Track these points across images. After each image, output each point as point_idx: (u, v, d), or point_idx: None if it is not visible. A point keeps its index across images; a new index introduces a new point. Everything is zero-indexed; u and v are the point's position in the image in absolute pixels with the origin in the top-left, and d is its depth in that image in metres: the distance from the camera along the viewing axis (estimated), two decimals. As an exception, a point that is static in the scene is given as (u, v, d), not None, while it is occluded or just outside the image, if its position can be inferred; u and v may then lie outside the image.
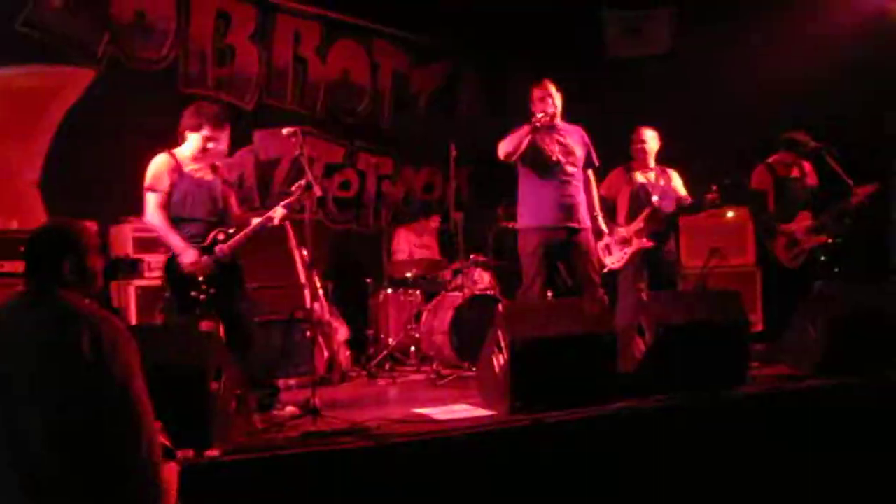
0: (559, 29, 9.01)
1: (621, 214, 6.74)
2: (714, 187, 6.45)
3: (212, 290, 4.93)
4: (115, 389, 2.63)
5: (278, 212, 5.06)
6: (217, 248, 4.97)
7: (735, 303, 5.36)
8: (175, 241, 4.92)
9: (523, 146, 5.82)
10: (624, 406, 4.63)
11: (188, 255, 4.89)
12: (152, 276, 6.13)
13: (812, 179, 7.10)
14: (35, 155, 6.54)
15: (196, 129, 5.04)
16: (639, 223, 6.61)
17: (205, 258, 4.93)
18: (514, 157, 5.87)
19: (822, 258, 6.95)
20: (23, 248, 2.96)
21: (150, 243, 6.20)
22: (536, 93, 5.96)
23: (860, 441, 4.97)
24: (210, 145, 5.09)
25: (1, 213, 6.08)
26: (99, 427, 2.60)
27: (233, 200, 5.40)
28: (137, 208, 6.13)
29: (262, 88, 8.22)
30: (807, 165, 7.09)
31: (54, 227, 3.00)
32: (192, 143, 5.07)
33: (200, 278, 4.89)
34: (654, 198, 6.65)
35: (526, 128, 5.79)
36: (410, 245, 8.25)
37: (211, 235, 5.01)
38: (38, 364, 2.61)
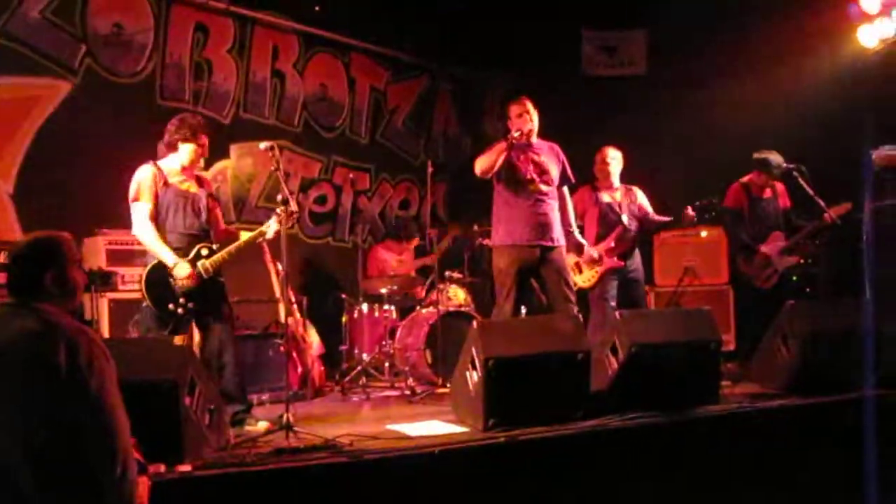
0: (536, 48, 9.07)
1: (590, 234, 6.77)
2: (689, 207, 6.53)
3: (190, 304, 4.92)
4: (91, 404, 2.62)
5: (272, 227, 5.05)
6: (200, 264, 4.97)
7: (707, 322, 5.39)
8: (166, 254, 4.92)
9: (500, 163, 5.85)
10: (597, 423, 4.65)
11: (181, 269, 4.89)
12: (125, 289, 6.10)
13: (784, 200, 7.18)
14: (9, 166, 6.49)
15: (191, 139, 5.07)
16: (608, 243, 6.68)
17: (197, 266, 4.93)
18: (490, 174, 5.89)
19: (794, 278, 7.03)
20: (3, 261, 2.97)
21: (124, 256, 6.18)
22: (514, 109, 5.99)
23: (829, 459, 5.02)
24: (199, 156, 5.16)
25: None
26: (74, 442, 2.58)
27: (218, 214, 5.41)
28: (111, 220, 6.15)
29: (240, 102, 8.21)
30: (779, 186, 7.17)
31: (37, 240, 2.96)
32: (182, 154, 5.09)
33: (178, 292, 4.88)
34: (624, 217, 6.71)
35: (503, 144, 5.82)
36: (385, 264, 8.26)
37: (195, 249, 5.01)
38: (16, 377, 2.61)
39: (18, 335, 2.68)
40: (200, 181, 5.27)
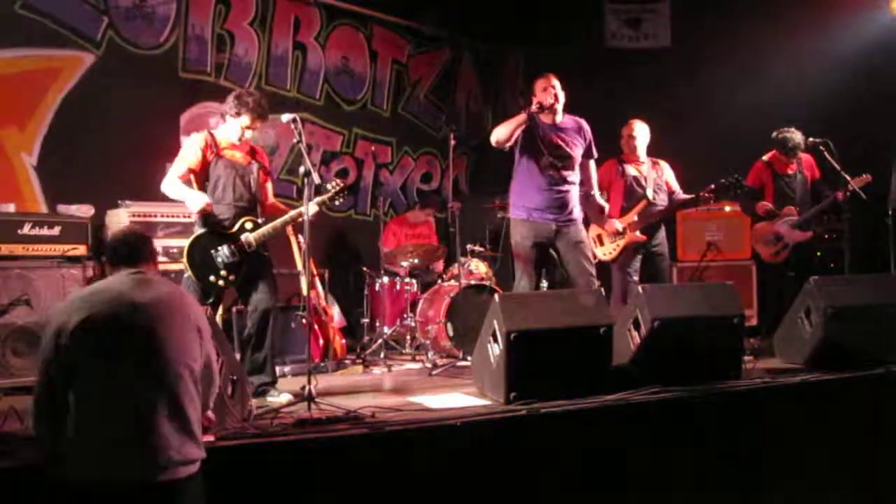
0: (559, 20, 9.00)
1: (614, 207, 6.72)
2: (712, 186, 6.46)
3: (231, 277, 4.96)
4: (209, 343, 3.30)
5: (312, 208, 5.06)
6: (244, 237, 5.00)
7: (730, 296, 5.35)
8: (184, 191, 4.99)
9: (517, 135, 5.81)
10: (618, 398, 4.64)
11: (196, 201, 4.93)
12: (156, 261, 6.11)
13: (813, 172, 7.12)
14: (33, 138, 6.53)
15: (235, 116, 5.13)
16: (632, 216, 6.63)
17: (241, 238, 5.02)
18: (506, 145, 5.85)
19: (819, 253, 6.97)
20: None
21: (147, 227, 6.19)
22: (539, 84, 5.94)
23: (853, 434, 5.00)
24: (248, 134, 5.22)
25: (-1, 196, 6.10)
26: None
27: (268, 188, 5.46)
28: (134, 192, 6.18)
29: (261, 75, 8.21)
30: (806, 160, 7.11)
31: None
32: (230, 128, 5.16)
33: (221, 264, 4.93)
34: (649, 192, 6.66)
35: (521, 116, 5.78)
36: (400, 236, 8.26)
37: (240, 222, 5.04)
38: (177, 324, 3.15)
39: (167, 292, 3.23)
40: (254, 152, 5.31)
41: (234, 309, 5.69)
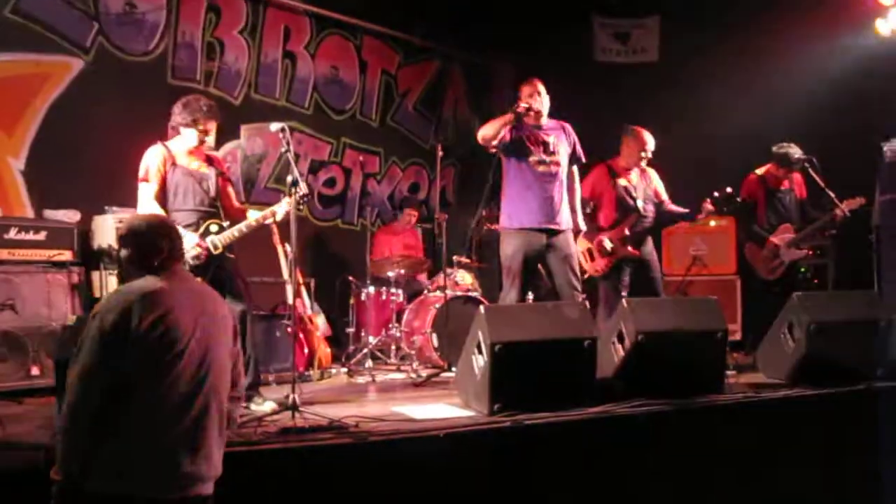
0: (547, 33, 9.04)
1: (604, 218, 6.69)
2: (709, 200, 6.45)
3: (199, 280, 4.93)
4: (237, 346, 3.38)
5: (282, 208, 5.06)
6: (209, 240, 4.99)
7: (714, 311, 5.38)
8: None
9: (503, 135, 5.85)
10: (602, 410, 4.65)
11: (189, 240, 4.89)
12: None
13: (801, 191, 7.15)
14: (20, 143, 6.51)
15: (192, 124, 5.07)
16: (622, 230, 6.59)
17: (205, 241, 4.97)
18: (491, 144, 5.89)
19: (803, 270, 7.01)
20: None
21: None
22: (525, 90, 5.99)
23: (834, 450, 5.03)
24: (209, 140, 5.17)
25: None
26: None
27: (230, 192, 5.42)
28: (121, 199, 6.16)
29: (251, 83, 8.21)
30: (797, 178, 7.14)
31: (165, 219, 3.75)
32: (186, 137, 5.10)
33: (188, 268, 4.89)
34: (639, 203, 6.63)
35: (508, 115, 5.83)
36: (385, 248, 8.25)
37: (204, 225, 5.02)
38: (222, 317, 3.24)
39: (202, 293, 3.27)
40: (210, 160, 5.28)
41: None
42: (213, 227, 5.04)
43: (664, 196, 6.81)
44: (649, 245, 6.73)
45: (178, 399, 2.95)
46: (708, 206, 6.45)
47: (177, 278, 3.18)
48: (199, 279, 3.48)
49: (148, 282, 3.08)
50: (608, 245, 6.53)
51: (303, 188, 4.79)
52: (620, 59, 9.92)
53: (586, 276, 6.55)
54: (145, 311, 2.92)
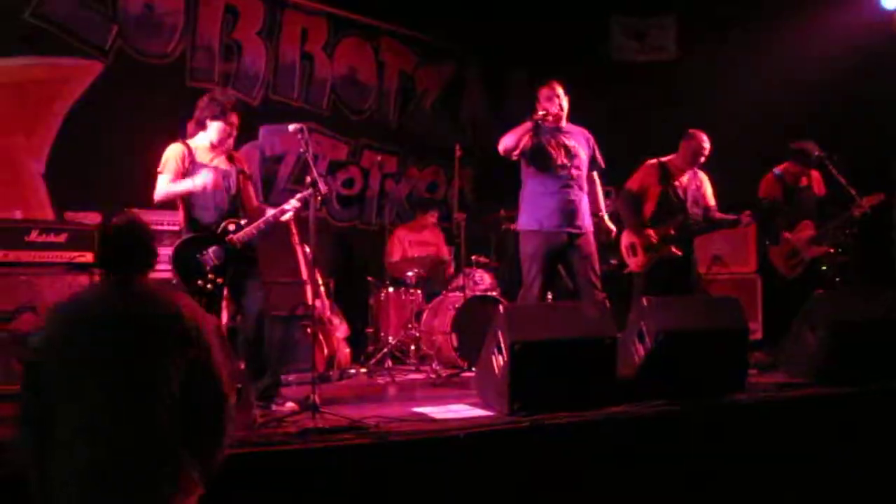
0: (565, 32, 9.02)
1: (648, 214, 6.64)
2: (748, 212, 6.44)
3: (219, 280, 4.95)
4: (211, 366, 2.86)
5: (291, 204, 5.08)
6: (227, 238, 5.00)
7: (735, 310, 5.36)
8: (181, 185, 4.98)
9: (524, 142, 5.84)
10: (622, 410, 4.64)
11: (196, 180, 4.93)
12: (156, 269, 6.13)
13: (819, 189, 7.11)
14: (41, 146, 6.56)
15: (220, 116, 5.08)
16: (669, 230, 6.52)
17: (213, 248, 4.97)
18: (513, 154, 5.87)
19: (824, 268, 6.96)
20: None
21: (155, 236, 6.21)
22: (543, 92, 5.96)
23: (857, 450, 4.99)
24: (233, 133, 5.17)
25: (6, 203, 6.11)
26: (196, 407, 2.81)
27: (250, 191, 5.43)
28: (140, 201, 6.16)
29: (269, 84, 8.23)
30: (815, 175, 7.09)
31: (136, 221, 3.20)
32: (211, 132, 5.11)
33: (208, 267, 4.92)
34: (689, 205, 6.59)
35: (528, 124, 5.81)
36: (405, 244, 8.25)
37: (223, 224, 5.04)
38: (158, 341, 2.80)
39: (138, 306, 2.88)
40: (231, 158, 5.29)
41: (238, 317, 5.69)
42: (231, 227, 5.05)
43: (711, 202, 6.75)
44: (692, 248, 6.69)
45: (92, 420, 2.69)
46: (745, 219, 6.52)
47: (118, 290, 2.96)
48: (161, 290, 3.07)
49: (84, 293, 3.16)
50: (654, 240, 6.49)
51: (322, 188, 4.80)
52: (638, 58, 9.88)
53: (626, 270, 6.53)
54: (60, 327, 2.83)
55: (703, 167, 6.79)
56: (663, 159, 6.75)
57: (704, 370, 5.03)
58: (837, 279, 7.04)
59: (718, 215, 6.73)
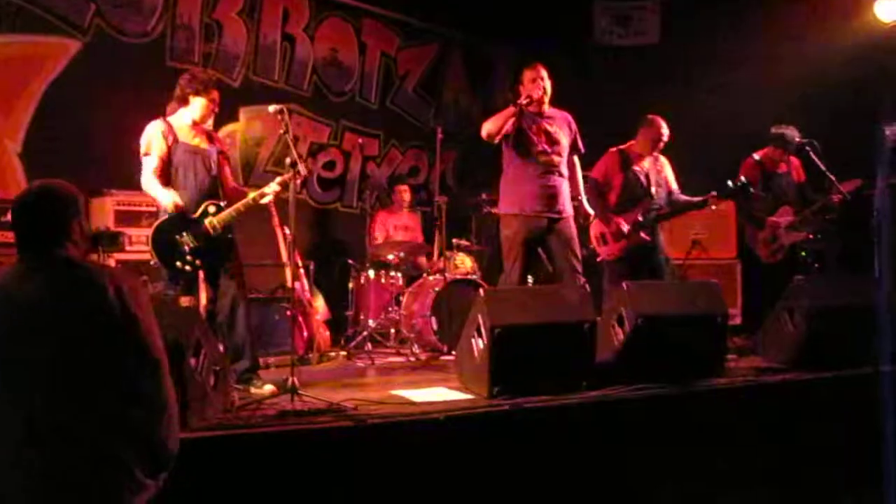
0: (547, 15, 9.00)
1: (613, 203, 6.65)
2: (713, 193, 6.44)
3: (197, 262, 4.92)
4: (142, 348, 2.60)
5: (272, 187, 5.06)
6: (207, 221, 4.97)
7: (714, 295, 5.38)
8: (157, 190, 4.95)
9: (506, 128, 5.81)
10: (601, 394, 4.65)
11: (166, 200, 4.89)
12: (133, 250, 6.12)
13: (799, 175, 7.14)
14: (17, 125, 6.48)
15: (202, 92, 5.05)
16: (635, 216, 6.54)
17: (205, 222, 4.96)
18: (496, 138, 5.86)
19: (803, 254, 7.00)
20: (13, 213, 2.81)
21: (132, 216, 6.21)
22: (528, 75, 5.94)
23: (834, 435, 5.02)
24: (215, 109, 5.15)
25: (-19, 182, 6.06)
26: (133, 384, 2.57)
27: (227, 172, 5.40)
28: (119, 181, 6.15)
29: (249, 65, 8.17)
30: (794, 161, 7.13)
31: (58, 189, 2.85)
32: (194, 108, 5.07)
33: (187, 249, 4.89)
34: (653, 190, 6.61)
35: (511, 109, 5.79)
36: (387, 227, 8.24)
37: (202, 207, 5.00)
38: (79, 330, 2.51)
39: (60, 285, 2.58)
40: (211, 138, 5.25)
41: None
42: (211, 209, 5.01)
43: (674, 185, 6.77)
44: (659, 233, 6.71)
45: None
46: (714, 199, 6.45)
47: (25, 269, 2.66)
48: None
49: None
50: (624, 228, 6.50)
51: (302, 170, 4.77)
52: (621, 42, 9.88)
53: (599, 259, 6.55)
54: None
55: (664, 151, 6.80)
56: (623, 147, 6.76)
57: (684, 355, 5.04)
58: (816, 265, 7.08)
59: (683, 198, 6.74)
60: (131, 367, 2.57)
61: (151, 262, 5.02)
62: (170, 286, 4.94)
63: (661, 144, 6.67)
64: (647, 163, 6.70)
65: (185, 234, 4.93)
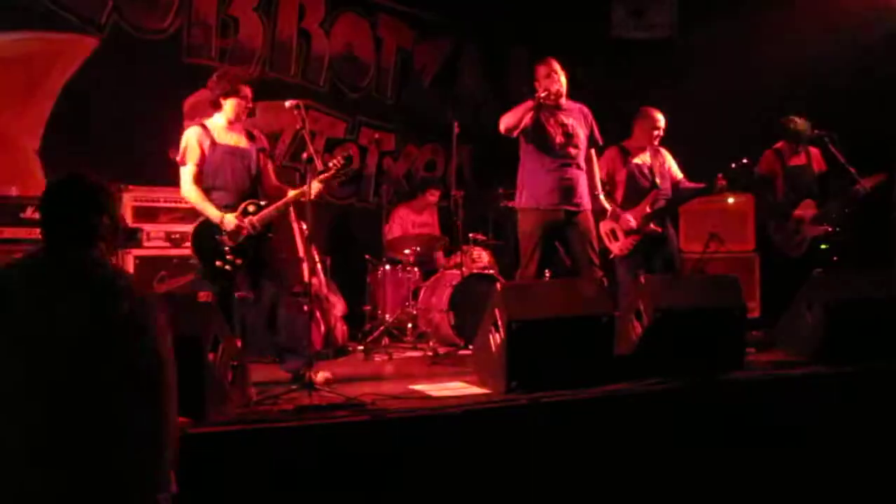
0: (563, 8, 8.96)
1: (619, 199, 6.65)
2: (720, 175, 6.41)
3: (238, 261, 4.95)
4: (150, 355, 2.49)
5: (314, 186, 5.05)
6: (246, 220, 4.98)
7: (733, 288, 5.35)
8: (211, 212, 4.97)
9: (525, 121, 5.81)
10: (620, 388, 4.63)
11: (228, 223, 4.93)
12: (151, 246, 6.16)
13: (819, 165, 7.08)
14: (35, 122, 6.52)
15: (232, 93, 5.06)
16: (644, 208, 6.53)
17: (245, 220, 4.98)
18: (514, 132, 5.86)
19: (824, 247, 6.95)
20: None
21: (150, 212, 6.24)
22: (542, 70, 5.94)
23: (854, 428, 4.99)
24: (248, 106, 5.15)
25: (1, 180, 6.09)
26: (136, 389, 2.45)
27: (270, 169, 5.41)
28: (137, 177, 6.17)
29: (266, 61, 8.18)
30: (814, 152, 7.06)
31: (88, 180, 2.69)
32: (227, 109, 5.09)
33: (227, 248, 4.91)
34: (657, 180, 6.59)
35: (529, 102, 5.78)
36: (407, 223, 8.24)
37: (242, 206, 5.02)
38: (75, 325, 2.39)
39: (76, 283, 2.46)
40: (252, 136, 5.26)
41: (235, 295, 5.68)
42: (251, 208, 5.04)
43: (678, 175, 6.77)
44: (670, 227, 6.70)
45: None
46: (720, 182, 6.41)
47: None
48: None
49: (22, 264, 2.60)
50: (633, 223, 6.48)
51: (318, 165, 4.78)
52: (636, 35, 9.82)
53: (611, 256, 6.53)
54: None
55: (673, 147, 6.80)
56: (622, 143, 6.77)
57: (702, 348, 5.02)
58: (835, 258, 7.03)
59: (687, 185, 6.74)
60: (126, 396, 2.43)
61: (191, 261, 5.05)
62: (203, 283, 4.95)
63: (659, 134, 6.68)
64: (647, 156, 6.70)
65: (224, 233, 4.95)
